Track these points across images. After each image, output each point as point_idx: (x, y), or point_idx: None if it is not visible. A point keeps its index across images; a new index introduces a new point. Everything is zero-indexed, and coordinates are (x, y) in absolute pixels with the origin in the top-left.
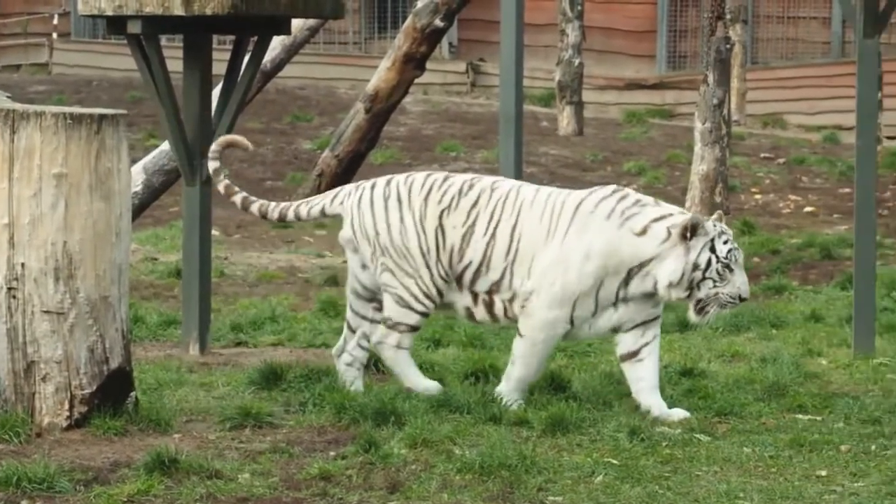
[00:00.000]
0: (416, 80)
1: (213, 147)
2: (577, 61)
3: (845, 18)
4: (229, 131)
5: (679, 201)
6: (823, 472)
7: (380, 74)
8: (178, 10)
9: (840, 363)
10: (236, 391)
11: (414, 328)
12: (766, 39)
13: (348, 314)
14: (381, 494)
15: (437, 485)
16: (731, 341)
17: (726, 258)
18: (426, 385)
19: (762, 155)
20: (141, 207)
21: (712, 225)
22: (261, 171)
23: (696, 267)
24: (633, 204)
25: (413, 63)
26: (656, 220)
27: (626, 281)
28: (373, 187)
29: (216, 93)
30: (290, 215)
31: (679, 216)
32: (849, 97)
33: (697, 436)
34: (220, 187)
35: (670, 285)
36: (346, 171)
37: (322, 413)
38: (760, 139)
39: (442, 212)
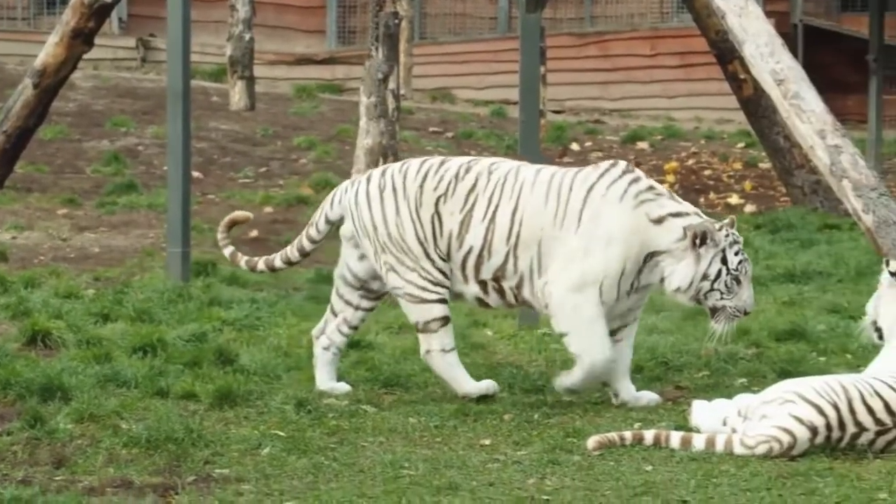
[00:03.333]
0: (86, 56)
1: (220, 235)
2: (247, 36)
3: None
4: None
5: (348, 175)
6: (487, 441)
7: (48, 50)
8: None
9: (505, 334)
10: None
11: (444, 320)
12: (434, 15)
13: (333, 298)
14: (47, 470)
15: (103, 459)
16: (399, 313)
17: (736, 270)
18: (479, 387)
19: (431, 129)
20: None
21: (724, 234)
22: None
23: (705, 277)
24: (647, 189)
25: (81, 38)
26: (675, 214)
27: (641, 269)
28: (368, 180)
29: None
30: (307, 245)
31: (694, 217)
32: (515, 72)
33: (364, 407)
34: (242, 263)
35: (678, 290)
36: (15, 146)
37: None
38: (429, 113)
39: (438, 198)
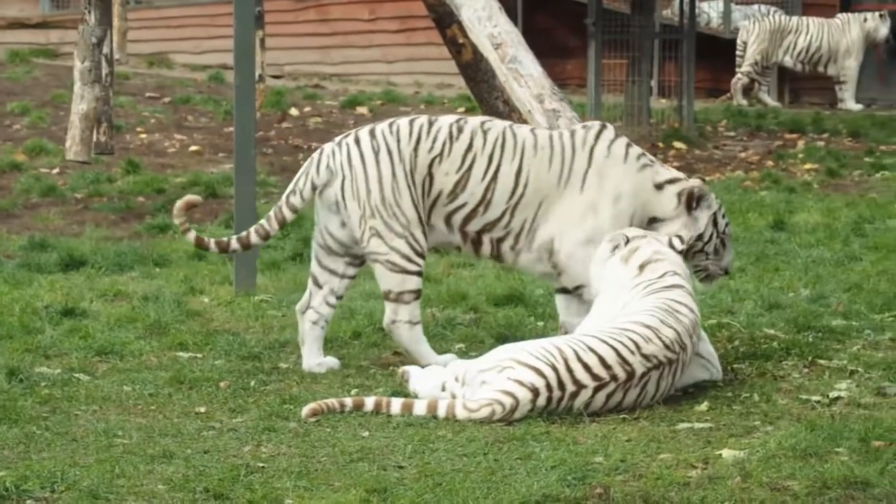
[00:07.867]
0: None
1: (179, 218)
2: None
3: None
4: None
5: (62, 141)
6: (203, 409)
7: None
8: None
9: (222, 301)
10: None
11: (417, 293)
12: None
13: (315, 269)
14: None
15: None
16: (113, 280)
17: (723, 233)
18: (443, 360)
19: (147, 94)
20: None
21: (714, 197)
22: None
23: (699, 238)
24: (642, 154)
25: None
26: (670, 181)
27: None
28: (358, 142)
29: None
30: (288, 214)
31: (684, 182)
32: (232, 36)
33: (77, 375)
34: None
35: None
36: None
37: None
38: (146, 78)
39: (433, 160)
